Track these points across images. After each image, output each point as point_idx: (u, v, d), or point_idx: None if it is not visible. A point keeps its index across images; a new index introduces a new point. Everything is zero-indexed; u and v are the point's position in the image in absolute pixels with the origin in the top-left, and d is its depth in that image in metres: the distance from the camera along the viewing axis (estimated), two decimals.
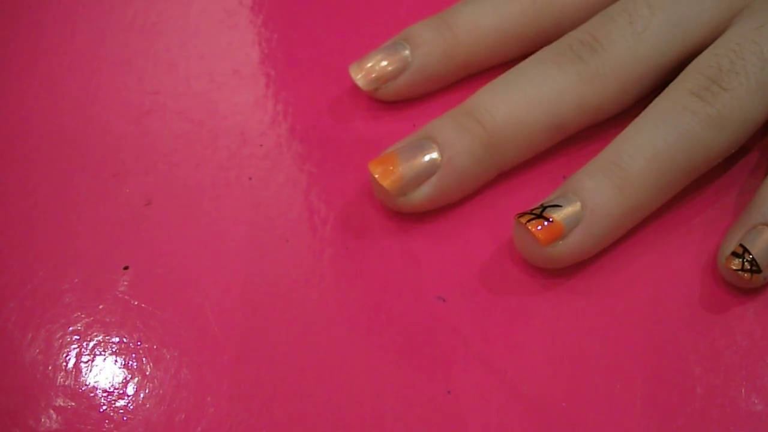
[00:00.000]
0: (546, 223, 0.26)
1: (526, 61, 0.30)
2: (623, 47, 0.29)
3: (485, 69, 0.32)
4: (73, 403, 0.26)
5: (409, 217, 0.29)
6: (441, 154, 0.28)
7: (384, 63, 0.31)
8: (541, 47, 0.30)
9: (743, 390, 0.26)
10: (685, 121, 0.27)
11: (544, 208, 0.27)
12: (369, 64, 0.31)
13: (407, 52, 0.31)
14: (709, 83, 0.28)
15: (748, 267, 0.26)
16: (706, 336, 0.27)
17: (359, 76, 0.31)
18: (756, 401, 0.25)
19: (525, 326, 0.27)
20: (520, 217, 0.27)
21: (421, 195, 0.28)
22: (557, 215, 0.27)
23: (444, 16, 0.31)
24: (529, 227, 0.26)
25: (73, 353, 0.27)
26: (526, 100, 0.28)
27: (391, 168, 0.28)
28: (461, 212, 0.29)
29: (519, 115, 0.28)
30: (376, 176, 0.28)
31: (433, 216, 0.29)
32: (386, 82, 0.31)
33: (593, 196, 0.27)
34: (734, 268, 0.26)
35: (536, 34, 0.31)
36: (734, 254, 0.26)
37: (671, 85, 0.29)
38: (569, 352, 0.26)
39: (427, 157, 0.28)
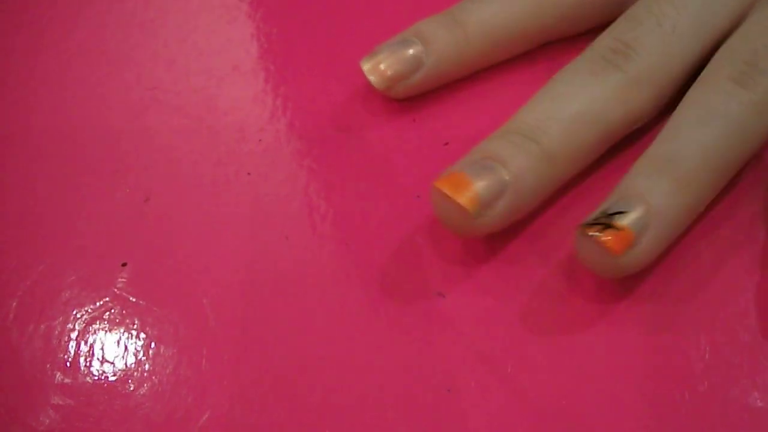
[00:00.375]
0: (615, 232, 0.25)
1: (562, 73, 0.29)
2: (656, 50, 0.28)
3: (489, 66, 0.32)
4: (71, 401, 0.26)
5: (409, 214, 0.29)
6: (508, 173, 0.27)
7: (399, 63, 0.30)
8: (544, 43, 0.30)
9: (745, 387, 0.25)
10: (732, 110, 0.27)
11: (607, 215, 0.25)
12: (383, 63, 0.30)
13: (421, 50, 0.30)
14: (746, 68, 0.27)
15: None
16: (706, 333, 0.26)
17: (373, 75, 0.30)
18: (757, 397, 0.25)
19: (525, 324, 0.27)
20: (586, 228, 0.25)
21: (495, 215, 0.26)
22: (625, 222, 0.25)
23: (453, 13, 0.31)
24: (600, 239, 0.25)
25: (72, 350, 0.27)
26: (574, 116, 0.27)
27: (464, 186, 0.26)
28: None
29: (571, 131, 0.27)
30: (449, 193, 0.26)
31: (433, 213, 0.29)
32: (400, 81, 0.30)
33: (654, 197, 0.26)
34: None
35: (540, 31, 0.31)
36: None
37: (706, 74, 0.28)
38: (569, 351, 0.26)
39: (496, 177, 0.26)
